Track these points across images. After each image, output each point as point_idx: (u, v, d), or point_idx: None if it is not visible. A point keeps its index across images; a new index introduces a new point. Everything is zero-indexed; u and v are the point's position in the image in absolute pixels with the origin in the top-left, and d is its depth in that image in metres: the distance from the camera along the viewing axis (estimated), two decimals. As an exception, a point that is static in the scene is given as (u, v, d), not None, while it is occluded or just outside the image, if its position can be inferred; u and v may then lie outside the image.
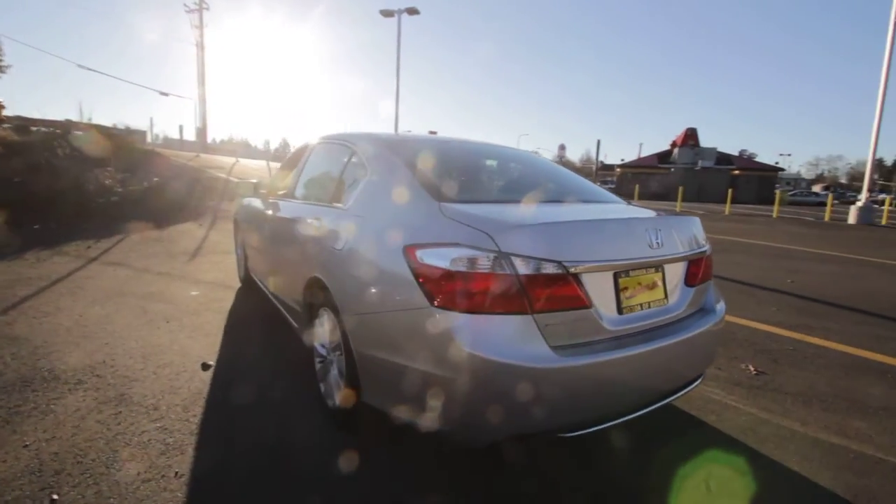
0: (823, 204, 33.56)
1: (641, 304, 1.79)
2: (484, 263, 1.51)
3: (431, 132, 3.31)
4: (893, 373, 3.15)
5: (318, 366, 2.39)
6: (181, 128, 33.47)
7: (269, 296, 3.45)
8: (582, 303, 1.60)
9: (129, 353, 2.94)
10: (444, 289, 1.53)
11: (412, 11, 19.10)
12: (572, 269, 1.57)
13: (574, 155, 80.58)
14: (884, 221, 16.57)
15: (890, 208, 18.88)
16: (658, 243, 1.81)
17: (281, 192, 3.86)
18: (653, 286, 1.84)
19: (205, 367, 2.80)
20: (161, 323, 3.51)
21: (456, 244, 1.57)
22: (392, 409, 1.76)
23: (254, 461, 1.93)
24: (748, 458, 2.10)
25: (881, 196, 33.12)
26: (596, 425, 1.64)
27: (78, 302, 3.93)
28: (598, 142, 41.67)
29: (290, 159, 3.71)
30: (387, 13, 19.38)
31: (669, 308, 1.89)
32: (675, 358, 1.82)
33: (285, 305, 2.95)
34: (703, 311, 2.08)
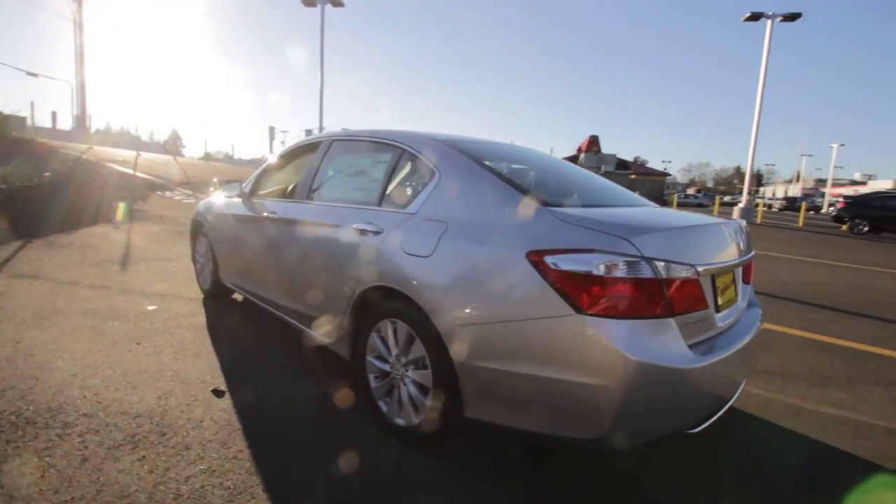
0: (701, 205, 38.63)
1: (727, 302, 1.89)
2: (631, 268, 1.48)
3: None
4: (839, 349, 3.70)
5: (374, 383, 2.19)
6: (54, 115, 28.61)
7: (266, 306, 3.09)
8: (705, 303, 1.65)
9: (111, 385, 2.44)
10: (592, 295, 1.48)
11: (337, 3, 18.34)
12: (700, 271, 1.61)
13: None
14: (759, 220, 19.55)
15: (763, 209, 22.28)
16: (741, 247, 1.94)
17: (280, 194, 3.51)
18: (730, 285, 1.96)
19: (218, 393, 2.42)
20: (130, 345, 2.97)
21: (591, 250, 1.53)
22: (511, 421, 1.67)
23: (340, 496, 1.70)
24: (783, 436, 2.33)
25: (741, 199, 39.11)
26: (709, 419, 1.70)
27: (4, 326, 3.18)
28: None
29: (286, 158, 3.36)
30: (309, 2, 18.39)
31: (739, 304, 2.03)
32: (754, 348, 1.96)
33: (303, 317, 2.66)
34: (750, 304, 2.26)
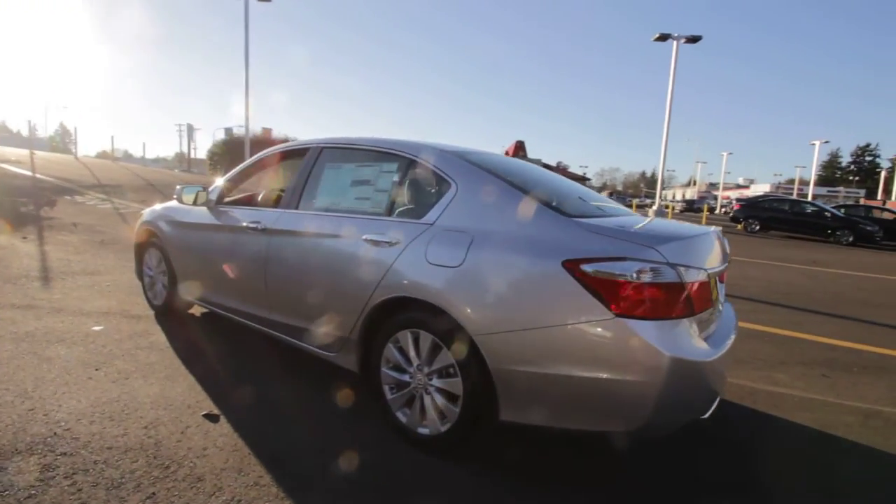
0: (616, 207, 41.63)
1: (716, 300, 2.13)
2: (661, 274, 1.63)
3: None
4: (766, 335, 4.26)
5: (390, 394, 2.17)
6: None
7: (243, 320, 2.92)
8: (711, 302, 1.86)
9: (83, 417, 2.17)
10: (630, 299, 1.60)
11: (261, -3, 17.43)
12: (710, 274, 1.81)
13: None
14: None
15: (674, 212, 24.70)
16: (726, 251, 2.19)
17: (260, 202, 3.31)
18: (716, 284, 2.21)
19: (212, 418, 2.25)
20: (88, 372, 2.66)
21: (624, 258, 1.66)
22: (549, 420, 1.76)
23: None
24: (748, 414, 2.66)
25: (648, 201, 42.93)
26: (713, 405, 1.91)
27: (-84, 357, 2.69)
28: None
29: (259, 165, 3.19)
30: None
31: (721, 300, 2.29)
32: (737, 339, 2.22)
33: (296, 330, 2.56)
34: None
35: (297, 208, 2.66)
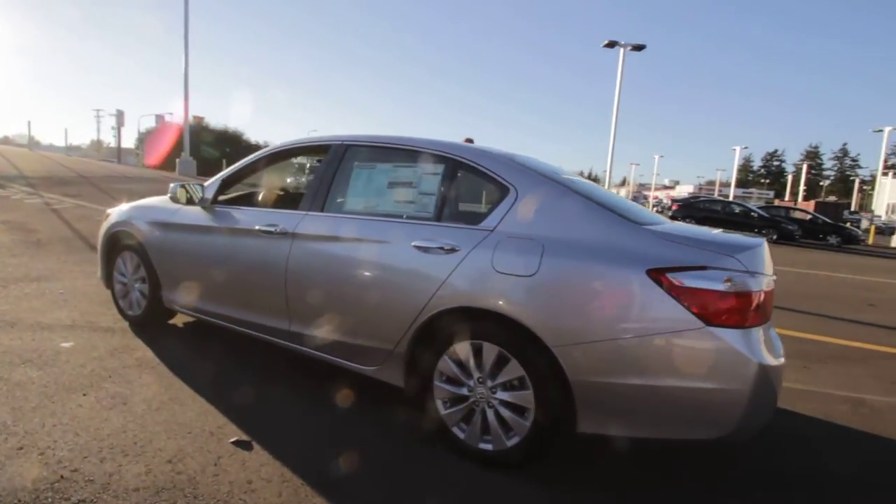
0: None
1: None
2: (744, 282, 1.65)
3: (468, 139, 2.99)
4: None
5: (444, 409, 2.06)
6: None
7: (251, 331, 2.67)
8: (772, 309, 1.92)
9: (90, 454, 1.87)
10: (719, 308, 1.61)
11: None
12: (774, 280, 1.87)
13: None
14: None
15: None
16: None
17: (270, 202, 3.03)
18: None
19: (243, 444, 2.03)
20: (76, 398, 2.30)
21: (705, 266, 1.67)
22: (632, 431, 1.74)
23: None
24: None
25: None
26: None
27: None
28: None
29: (266, 162, 2.92)
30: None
31: None
32: None
33: (325, 344, 2.37)
34: None
35: (322, 210, 2.45)
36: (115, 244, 3.38)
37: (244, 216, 2.74)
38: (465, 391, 2.01)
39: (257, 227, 2.57)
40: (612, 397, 1.72)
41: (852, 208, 43.67)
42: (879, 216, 37.65)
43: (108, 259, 3.45)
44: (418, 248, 2.07)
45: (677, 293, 1.64)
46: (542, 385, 1.81)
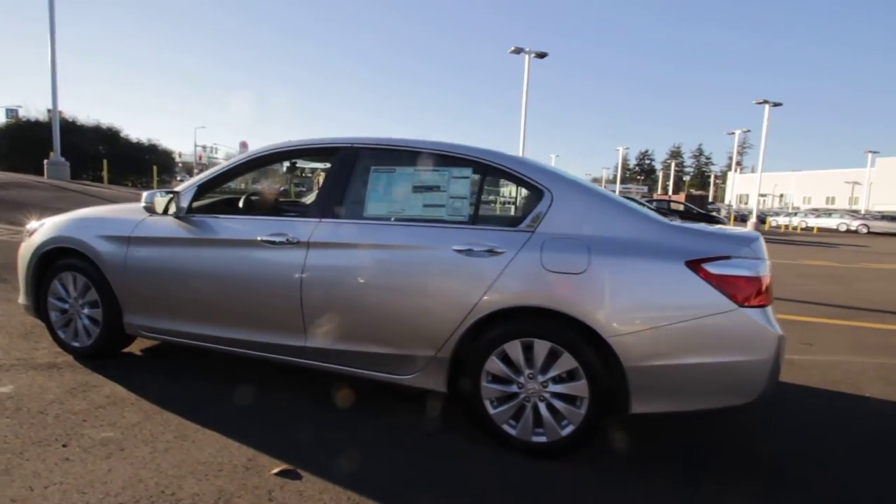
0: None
1: None
2: (763, 268, 1.93)
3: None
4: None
5: (493, 409, 2.10)
6: None
7: (248, 351, 2.46)
8: None
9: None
10: (747, 291, 1.86)
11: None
12: None
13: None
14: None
15: None
16: None
17: (264, 210, 2.76)
18: None
19: (289, 474, 1.87)
20: (57, 450, 1.94)
21: (729, 256, 1.92)
22: (677, 406, 1.94)
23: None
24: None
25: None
26: None
27: None
28: (243, 143, 42.45)
29: (251, 165, 2.68)
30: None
31: None
32: None
33: (348, 357, 2.27)
34: None
35: (338, 217, 2.33)
36: (49, 265, 2.86)
37: (239, 226, 2.49)
38: (514, 388, 2.06)
39: (260, 238, 2.35)
40: (663, 378, 1.90)
41: (710, 200, 51.13)
42: (730, 205, 44.57)
43: (38, 282, 2.90)
44: (460, 251, 2.07)
45: (713, 280, 1.86)
46: (596, 374, 1.93)
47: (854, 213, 32.47)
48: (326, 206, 2.36)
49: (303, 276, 2.27)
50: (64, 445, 1.97)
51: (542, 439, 2.04)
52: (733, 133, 32.01)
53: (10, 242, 6.08)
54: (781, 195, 55.95)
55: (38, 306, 2.92)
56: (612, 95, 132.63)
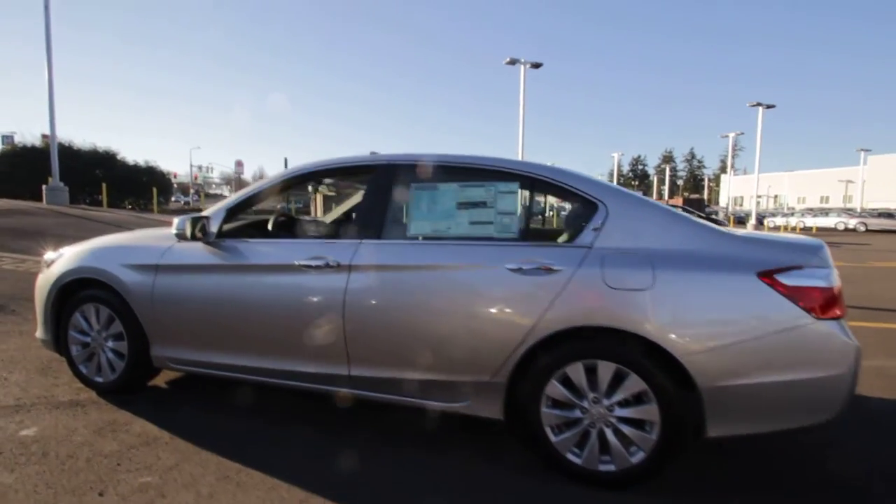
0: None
1: None
2: (834, 278, 1.84)
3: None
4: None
5: (556, 436, 1.98)
6: None
7: (299, 382, 2.33)
8: None
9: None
10: (824, 302, 1.76)
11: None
12: None
13: (248, 171, 75.57)
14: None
15: None
16: None
17: (299, 232, 2.66)
18: None
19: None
20: (91, 499, 1.80)
21: (800, 266, 1.83)
22: (754, 428, 1.83)
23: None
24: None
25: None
26: None
27: None
28: (286, 159, 42.57)
29: (280, 187, 2.58)
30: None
31: None
32: None
33: (395, 384, 2.16)
34: None
35: (380, 237, 2.23)
36: (70, 296, 2.74)
37: (272, 250, 2.39)
38: (577, 413, 1.95)
39: (298, 262, 2.25)
40: (739, 398, 1.79)
41: (705, 202, 51.44)
42: (725, 207, 44.78)
43: (58, 316, 2.77)
44: (514, 269, 1.98)
45: (788, 292, 1.77)
46: (668, 396, 1.82)
47: (850, 212, 32.62)
48: (366, 227, 2.26)
49: (345, 301, 2.16)
50: (100, 494, 1.84)
51: (610, 468, 1.92)
52: (727, 136, 32.25)
53: (16, 272, 5.93)
54: (776, 196, 56.29)
55: (58, 340, 2.79)
56: (605, 105, 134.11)
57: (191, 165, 52.34)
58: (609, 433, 1.92)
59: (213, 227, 2.48)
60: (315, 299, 2.22)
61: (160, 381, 2.92)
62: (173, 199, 28.58)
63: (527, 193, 2.18)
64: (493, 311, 2.01)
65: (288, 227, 2.96)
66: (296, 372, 2.31)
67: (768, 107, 23.51)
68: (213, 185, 63.14)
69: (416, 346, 2.11)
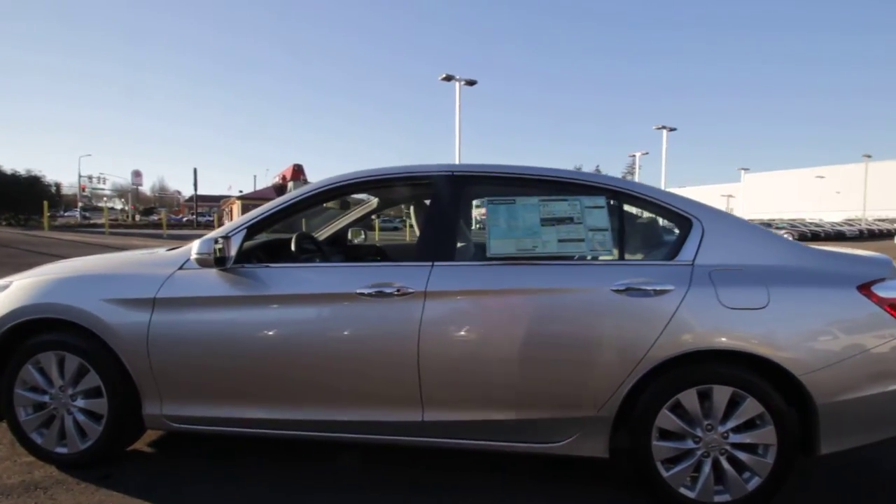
0: (396, 228, 44.10)
1: None
2: None
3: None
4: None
5: (667, 471, 1.82)
6: None
7: (353, 433, 1.96)
8: None
9: None
10: None
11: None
12: None
13: (146, 183, 67.74)
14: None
15: None
16: None
17: (343, 256, 2.24)
18: None
19: None
20: None
21: (884, 278, 1.88)
22: (862, 439, 1.83)
23: None
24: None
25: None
26: None
27: None
28: (195, 170, 39.54)
29: (310, 202, 2.19)
30: None
31: None
32: None
33: (478, 428, 1.89)
34: None
35: (455, 259, 1.95)
36: (16, 344, 2.09)
37: (317, 277, 2.00)
38: (690, 444, 1.81)
39: (358, 291, 1.89)
40: (852, 412, 1.77)
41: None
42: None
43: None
44: (620, 291, 1.81)
45: (883, 304, 1.79)
46: (783, 417, 1.76)
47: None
48: (436, 247, 1.97)
49: (420, 333, 1.85)
50: None
51: (726, 497, 1.80)
52: (633, 155, 35.37)
53: None
54: (669, 210, 63.05)
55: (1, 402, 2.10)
56: (511, 119, 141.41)
57: (79, 175, 45.99)
58: (723, 461, 1.80)
59: (233, 251, 2.02)
60: (381, 333, 1.88)
61: (140, 443, 2.32)
62: (60, 213, 24.61)
63: (617, 208, 2.04)
64: (599, 337, 1.82)
65: (306, 250, 2.54)
66: (352, 422, 1.93)
67: (671, 129, 26.29)
68: (105, 199, 55.81)
69: (507, 382, 1.85)
